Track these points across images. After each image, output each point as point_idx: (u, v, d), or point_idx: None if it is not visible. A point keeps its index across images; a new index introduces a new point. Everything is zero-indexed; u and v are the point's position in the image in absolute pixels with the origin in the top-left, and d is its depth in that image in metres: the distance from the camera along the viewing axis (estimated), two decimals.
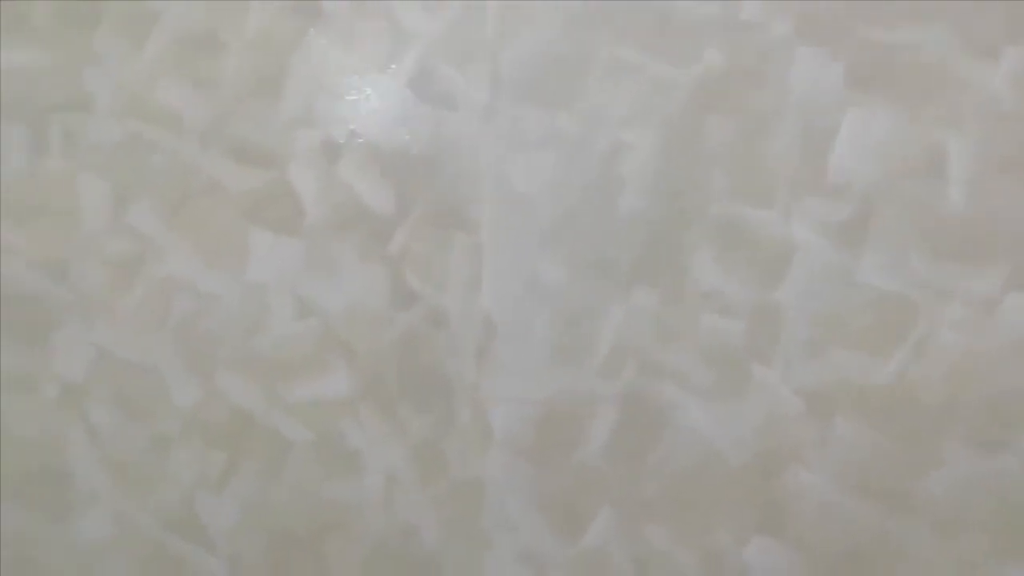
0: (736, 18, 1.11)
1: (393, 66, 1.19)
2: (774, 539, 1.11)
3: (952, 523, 1.07)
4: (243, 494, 1.22)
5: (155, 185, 1.25)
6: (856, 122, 1.09)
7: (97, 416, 1.23)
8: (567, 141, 1.15)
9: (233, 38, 1.21)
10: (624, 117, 1.14)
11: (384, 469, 1.21)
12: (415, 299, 1.20)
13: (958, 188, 1.08)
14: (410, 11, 1.18)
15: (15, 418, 1.24)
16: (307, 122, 1.22)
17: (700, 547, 1.13)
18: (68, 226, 1.25)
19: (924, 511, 1.08)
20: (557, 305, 1.16)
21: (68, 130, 1.24)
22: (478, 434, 1.19)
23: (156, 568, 1.20)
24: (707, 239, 1.13)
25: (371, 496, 1.21)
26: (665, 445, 1.14)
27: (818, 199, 1.11)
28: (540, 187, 1.17)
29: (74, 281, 1.24)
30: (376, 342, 1.21)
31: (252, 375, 1.22)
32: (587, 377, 1.16)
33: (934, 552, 1.07)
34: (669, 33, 1.12)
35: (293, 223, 1.22)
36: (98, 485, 1.22)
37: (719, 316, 1.13)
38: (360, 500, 1.21)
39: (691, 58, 1.12)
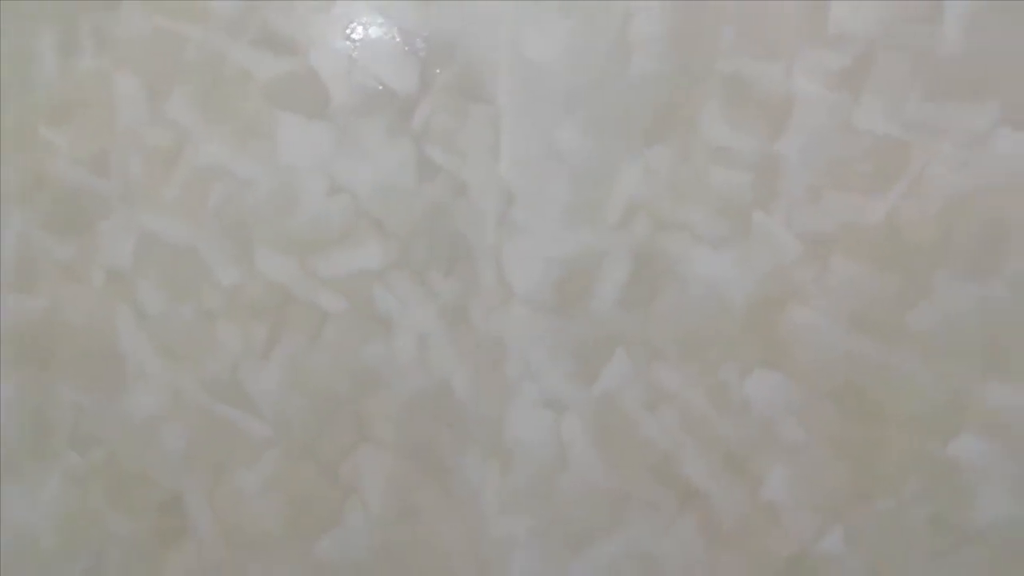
0: None
1: None
2: (775, 372, 1.12)
3: (941, 350, 1.07)
4: (285, 362, 1.24)
5: (187, 77, 1.25)
6: None
7: (144, 297, 1.25)
8: (579, 9, 1.14)
9: None
10: None
11: (415, 330, 1.21)
12: (438, 171, 1.21)
13: (954, 29, 1.06)
14: None
15: (68, 304, 1.24)
16: (328, 9, 1.21)
17: (706, 383, 1.13)
18: (106, 121, 1.25)
19: (915, 340, 1.08)
20: (573, 168, 1.16)
21: (97, 28, 1.24)
22: (500, 293, 1.20)
23: (207, 434, 1.21)
24: (714, 95, 1.12)
25: (404, 356, 1.22)
26: (674, 293, 1.15)
27: (819, 50, 1.10)
28: (555, 55, 1.16)
29: (116, 173, 1.25)
30: (404, 214, 1.21)
31: (288, 252, 1.23)
32: (602, 234, 1.16)
33: (925, 378, 1.07)
34: None
35: (319, 107, 1.22)
36: (148, 362, 1.24)
37: (726, 169, 1.13)
38: (394, 360, 1.22)
39: None
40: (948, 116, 1.07)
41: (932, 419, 1.07)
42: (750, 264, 1.14)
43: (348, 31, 1.21)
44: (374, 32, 1.21)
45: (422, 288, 1.22)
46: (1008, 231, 1.06)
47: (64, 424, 1.25)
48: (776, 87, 1.12)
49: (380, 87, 1.20)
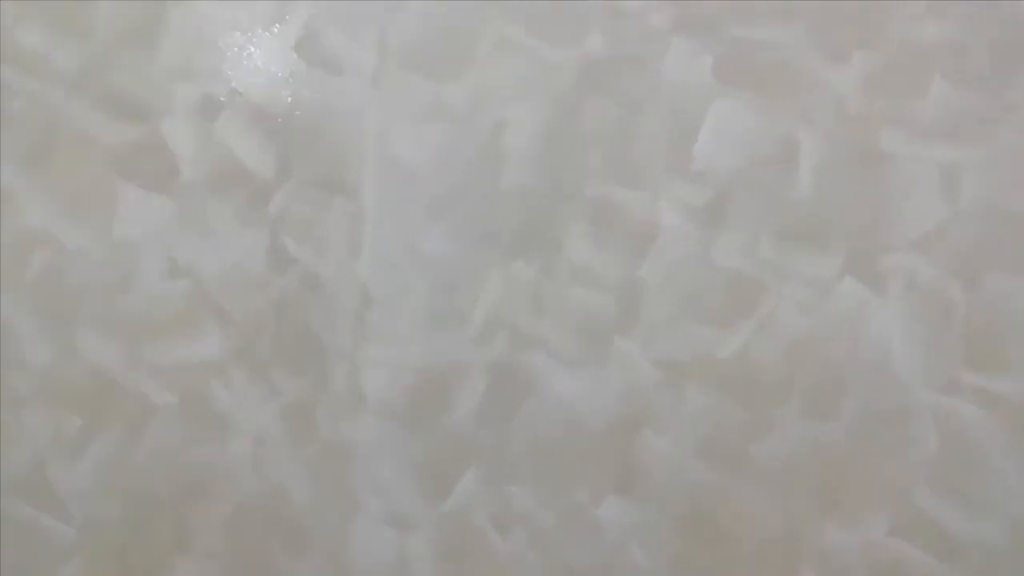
0: (619, 7, 1.08)
1: (278, 26, 1.10)
2: (627, 498, 1.09)
3: (782, 484, 1.08)
4: (100, 458, 1.10)
5: (14, 132, 1.10)
6: (721, 112, 1.09)
7: None
8: (453, 114, 1.10)
9: None
10: (509, 94, 1.09)
11: (253, 431, 1.12)
12: (292, 263, 1.12)
13: (807, 177, 1.08)
14: None
15: None
16: (186, 76, 1.11)
17: (558, 506, 1.09)
18: None
19: (759, 473, 1.08)
20: (435, 274, 1.10)
21: None
22: (351, 398, 1.12)
23: (4, 537, 1.04)
24: (581, 216, 1.10)
25: (238, 459, 1.12)
26: (531, 410, 1.07)
27: (683, 183, 1.10)
28: (424, 157, 1.11)
29: None
30: (250, 305, 1.12)
31: (115, 335, 1.11)
32: (461, 345, 1.11)
33: (767, 511, 1.05)
34: (556, 17, 1.08)
35: (167, 180, 1.12)
36: None
37: (588, 290, 1.10)
38: (226, 463, 1.12)
39: (575, 42, 1.08)
40: (797, 259, 1.09)
41: (772, 552, 1.07)
42: (607, 386, 1.11)
43: (206, 102, 1.11)
44: (234, 107, 1.11)
45: (264, 386, 1.12)
46: (846, 376, 1.08)
47: None
48: (641, 214, 1.11)
49: (236, 167, 1.10)
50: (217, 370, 1.09)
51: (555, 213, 1.09)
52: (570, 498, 1.05)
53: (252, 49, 1.08)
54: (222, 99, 1.09)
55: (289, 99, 1.09)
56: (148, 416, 1.09)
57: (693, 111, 1.07)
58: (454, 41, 1.07)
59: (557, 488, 1.05)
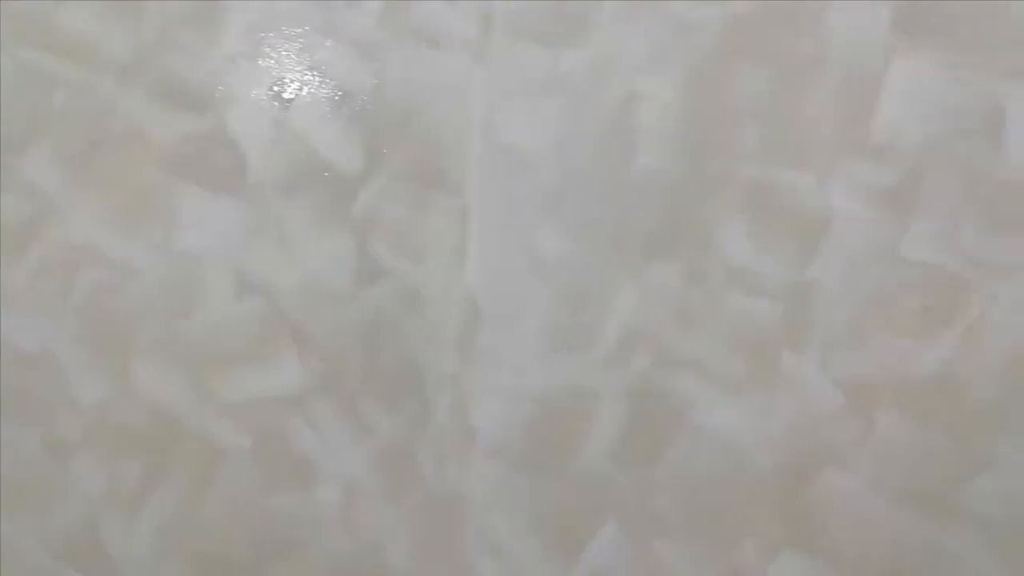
0: None
1: None
2: (805, 554, 0.94)
3: (1005, 535, 0.91)
4: (162, 514, 0.97)
5: (58, 129, 0.98)
6: (903, 74, 0.93)
7: None
8: (572, 88, 0.95)
9: None
10: (640, 62, 0.95)
11: (342, 480, 0.97)
12: (384, 274, 0.97)
13: (1017, 151, 0.92)
14: None
15: None
16: (252, 58, 0.98)
17: (720, 566, 0.94)
18: None
19: (974, 521, 0.91)
20: (557, 283, 0.95)
21: None
22: (458, 437, 0.97)
23: None
24: (735, 207, 0.95)
25: (325, 513, 0.97)
26: (681, 448, 0.95)
27: (860, 162, 0.94)
28: (539, 142, 0.96)
29: None
30: (335, 326, 0.97)
31: (177, 367, 0.97)
32: (591, 369, 0.95)
33: (986, 567, 0.91)
34: None
35: (234, 180, 0.98)
36: None
37: (748, 297, 0.95)
38: (312, 518, 0.97)
39: None
40: (1008, 249, 0.93)
41: None
42: (776, 415, 0.95)
43: (277, 88, 0.98)
44: (311, 91, 0.98)
45: (353, 424, 0.97)
46: None
47: None
48: (809, 201, 0.95)
49: (314, 161, 0.96)
50: (298, 405, 0.96)
51: (702, 204, 0.95)
52: (734, 556, 0.94)
53: (330, 23, 0.96)
54: (296, 83, 0.96)
55: (376, 80, 0.96)
56: (217, 462, 0.96)
57: (869, 74, 0.93)
58: (572, 1, 0.93)
59: (717, 543, 0.93)
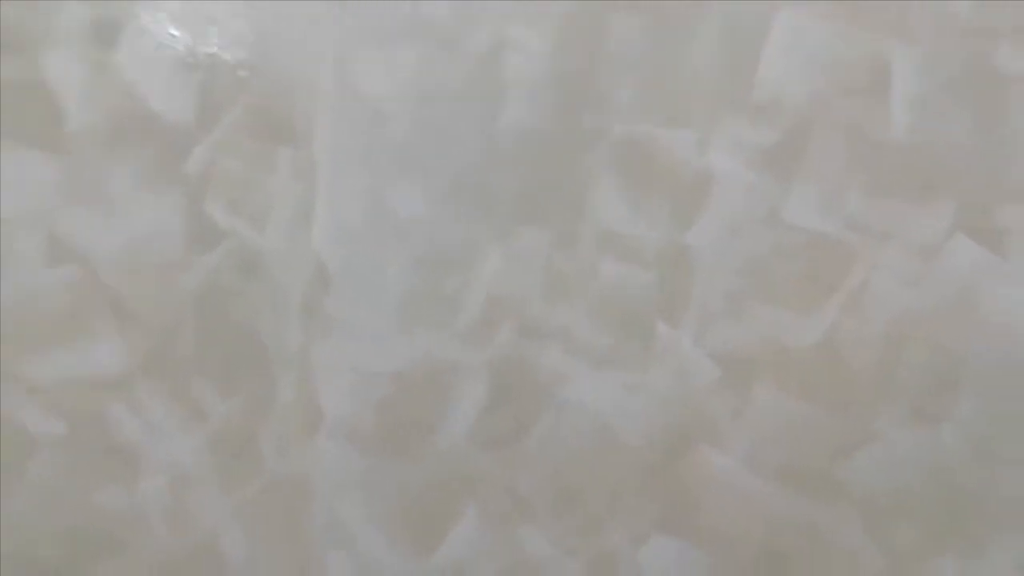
0: None
1: None
2: (677, 536, 0.89)
3: (885, 512, 0.88)
4: None
5: None
6: (789, 26, 0.87)
7: None
8: (434, 35, 0.86)
9: None
10: (508, 9, 0.86)
11: (171, 468, 0.87)
12: (220, 237, 0.87)
13: (903, 110, 0.88)
14: None
15: None
16: None
17: (587, 551, 0.88)
18: None
19: (853, 498, 0.88)
20: (414, 247, 0.87)
21: None
22: (304, 418, 0.89)
23: None
24: (608, 166, 0.88)
25: (152, 504, 0.88)
26: (547, 426, 0.88)
27: (741, 119, 0.88)
28: (396, 91, 0.87)
29: None
30: (163, 297, 0.87)
31: None
32: (451, 341, 0.88)
33: (866, 545, 0.88)
34: None
35: (48, 132, 0.85)
36: None
37: (621, 263, 0.88)
38: (136, 510, 0.87)
39: None
40: (893, 215, 0.88)
41: None
42: (648, 389, 0.89)
43: (98, 29, 0.85)
44: (137, 33, 0.86)
45: (184, 406, 0.87)
46: (962, 365, 0.88)
47: None
48: (687, 161, 0.89)
49: (142, 111, 0.85)
50: (119, 388, 0.86)
51: (573, 163, 0.88)
52: (603, 540, 0.88)
53: None
54: (122, 22, 0.84)
55: (213, 20, 0.84)
56: (27, 451, 0.85)
57: (752, 26, 0.86)
58: None
59: (585, 528, 0.88)
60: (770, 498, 0.88)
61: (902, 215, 0.86)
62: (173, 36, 0.85)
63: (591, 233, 0.89)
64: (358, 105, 0.88)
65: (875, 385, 0.87)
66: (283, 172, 0.88)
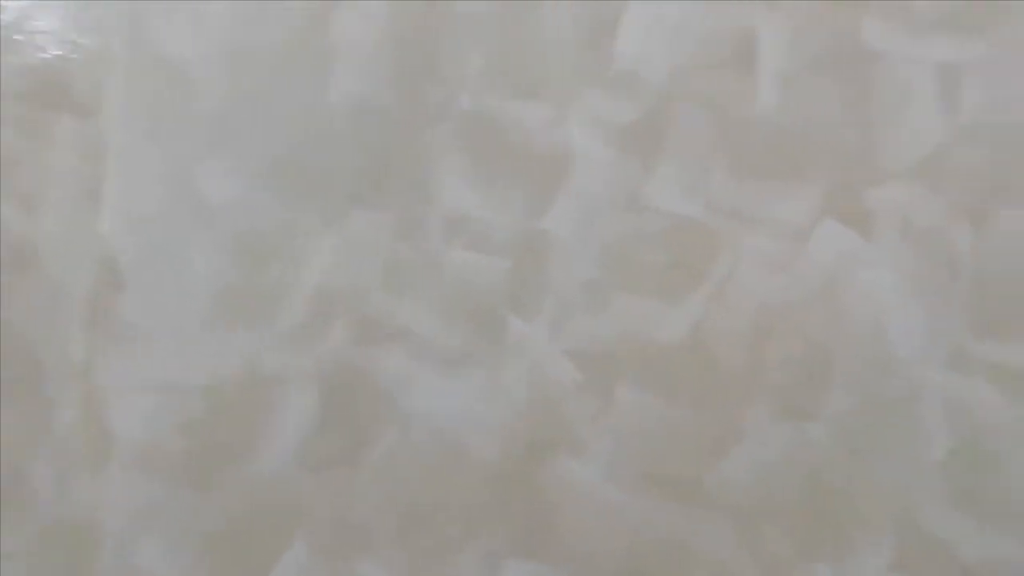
0: None
1: None
2: (535, 560, 0.81)
3: (754, 514, 0.82)
4: None
5: None
6: None
7: None
8: None
9: None
10: None
11: None
12: None
13: (768, 86, 0.82)
14: None
15: None
16: None
17: None
18: None
19: (721, 502, 0.81)
20: (227, 236, 0.77)
21: None
22: (90, 446, 0.76)
23: None
24: (455, 144, 0.79)
25: None
26: (386, 441, 0.78)
27: (600, 93, 0.81)
28: (204, 53, 0.77)
29: None
30: None
31: None
32: (272, 346, 0.77)
33: (737, 555, 0.82)
34: None
35: None
36: None
37: (469, 252, 0.80)
38: None
39: None
40: (759, 198, 0.83)
41: None
42: (501, 395, 0.80)
43: None
44: None
45: None
46: (830, 356, 0.82)
47: None
48: (541, 140, 0.81)
49: None
50: None
51: (415, 140, 0.79)
52: (452, 569, 0.79)
53: None
54: None
55: None
56: None
57: None
58: None
59: (429, 555, 0.78)
60: (634, 510, 0.82)
61: (769, 197, 0.82)
62: None
63: (436, 218, 0.80)
64: (157, 69, 0.77)
65: (743, 381, 0.82)
66: (63, 147, 0.76)
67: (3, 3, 0.77)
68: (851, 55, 0.79)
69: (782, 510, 0.80)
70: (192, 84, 0.76)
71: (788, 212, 0.79)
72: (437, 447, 0.78)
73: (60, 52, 0.74)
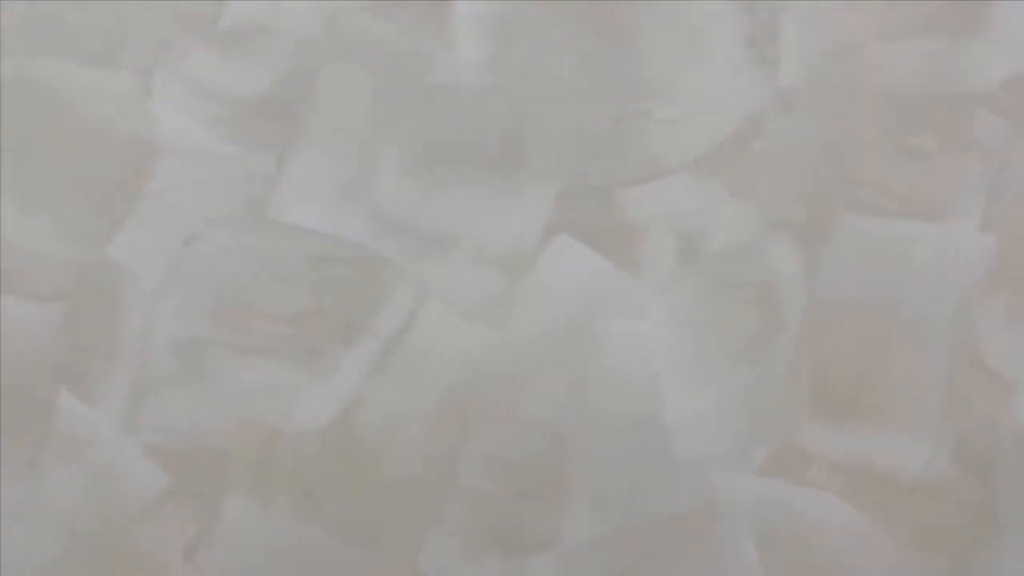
0: None
1: None
2: None
3: None
4: None
5: None
6: None
7: None
8: None
9: None
10: None
11: None
12: None
13: (471, 44, 0.56)
14: None
15: None
16: None
17: None
18: None
19: None
20: None
21: None
22: None
23: None
24: None
25: None
26: None
27: (204, 55, 0.55)
28: None
29: None
30: None
31: None
32: None
33: None
34: None
35: None
36: None
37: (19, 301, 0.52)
38: None
39: None
40: (457, 207, 0.57)
41: None
42: (42, 515, 0.53)
43: None
44: None
45: None
46: (568, 456, 0.55)
47: None
48: (117, 123, 0.54)
49: None
50: None
51: None
52: None
53: None
54: None
55: None
56: None
57: None
58: None
59: None
60: None
61: (469, 205, 0.50)
62: None
63: None
64: None
65: (419, 498, 0.53)
66: None
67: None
68: None
69: None
70: None
71: (501, 227, 0.52)
72: None
73: None
